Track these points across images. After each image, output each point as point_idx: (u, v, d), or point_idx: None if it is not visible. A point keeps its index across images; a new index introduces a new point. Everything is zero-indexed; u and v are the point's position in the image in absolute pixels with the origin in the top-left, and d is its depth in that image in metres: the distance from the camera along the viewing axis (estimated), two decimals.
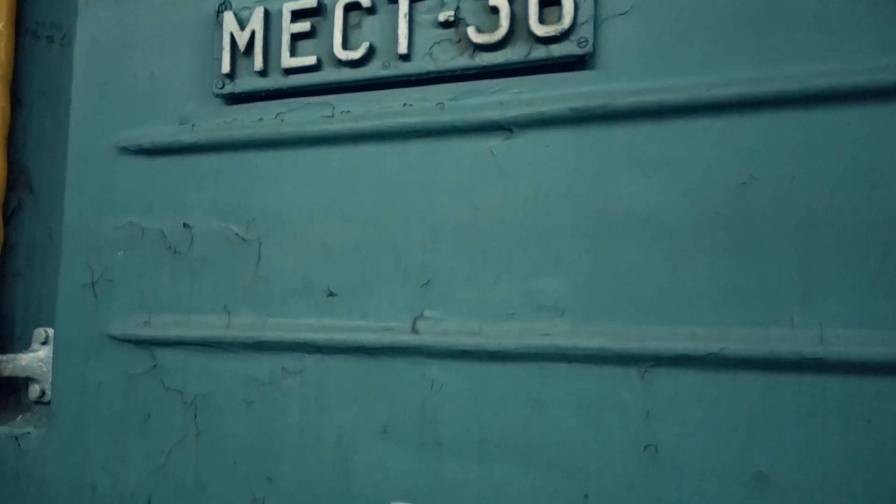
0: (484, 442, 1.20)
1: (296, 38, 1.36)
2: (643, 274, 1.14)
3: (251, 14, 1.39)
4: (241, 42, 1.39)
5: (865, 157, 1.04)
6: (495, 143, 1.24)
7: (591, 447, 1.13)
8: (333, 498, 1.26)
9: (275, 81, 1.38)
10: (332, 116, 1.35)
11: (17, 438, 1.52)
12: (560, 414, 1.16)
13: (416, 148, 1.30)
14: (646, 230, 1.14)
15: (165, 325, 1.42)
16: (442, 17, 1.26)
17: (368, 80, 1.32)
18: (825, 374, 1.03)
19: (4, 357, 1.55)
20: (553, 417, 1.16)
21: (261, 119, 1.40)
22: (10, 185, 1.60)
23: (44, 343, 1.56)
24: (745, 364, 1.06)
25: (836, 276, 1.04)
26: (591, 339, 1.15)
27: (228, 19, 1.40)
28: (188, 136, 1.44)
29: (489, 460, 1.19)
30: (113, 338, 1.45)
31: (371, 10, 1.32)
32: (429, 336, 1.25)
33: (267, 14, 1.38)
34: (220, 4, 1.43)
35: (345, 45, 1.33)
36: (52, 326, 1.55)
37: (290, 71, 1.37)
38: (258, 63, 1.38)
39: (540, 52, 1.21)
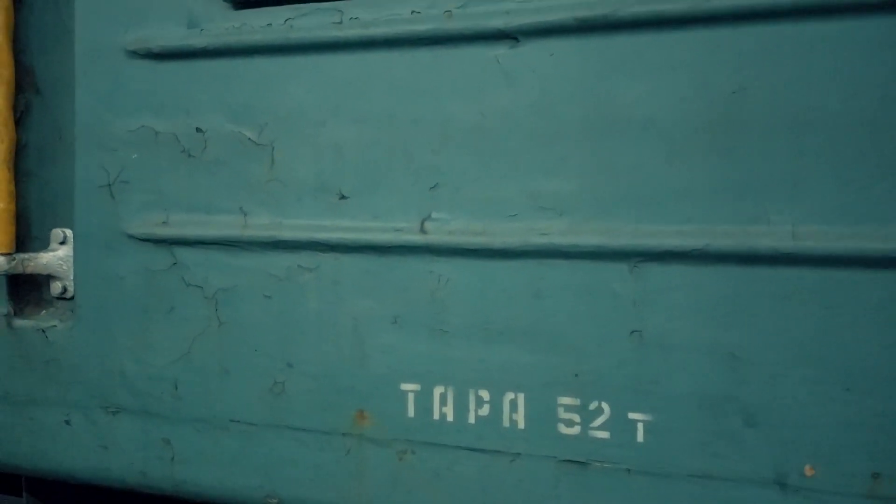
0: (487, 328, 1.32)
1: None
2: (639, 175, 1.23)
3: None
4: None
5: (847, 67, 1.12)
6: (501, 50, 1.30)
7: (583, 332, 1.27)
8: (349, 379, 1.40)
9: None
10: (341, 23, 1.38)
11: (43, 331, 1.62)
12: (556, 304, 1.28)
13: (424, 54, 1.35)
14: (644, 133, 1.23)
15: (183, 225, 1.50)
16: None
17: None
18: (797, 267, 1.15)
19: (25, 255, 1.62)
20: (550, 307, 1.28)
21: (269, 24, 1.43)
22: (18, 85, 1.62)
23: (62, 243, 1.64)
24: (726, 258, 1.18)
25: (813, 177, 1.15)
26: (588, 238, 1.25)
27: None
28: (197, 41, 1.47)
29: (492, 344, 1.32)
30: (132, 237, 1.53)
31: None
32: (436, 236, 1.34)
33: None
34: None
35: None
36: (69, 226, 1.62)
37: None
38: None
39: None
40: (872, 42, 1.11)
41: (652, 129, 1.22)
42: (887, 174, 1.11)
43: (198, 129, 1.48)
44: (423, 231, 1.35)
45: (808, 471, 1.16)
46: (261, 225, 1.45)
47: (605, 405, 1.26)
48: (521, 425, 1.31)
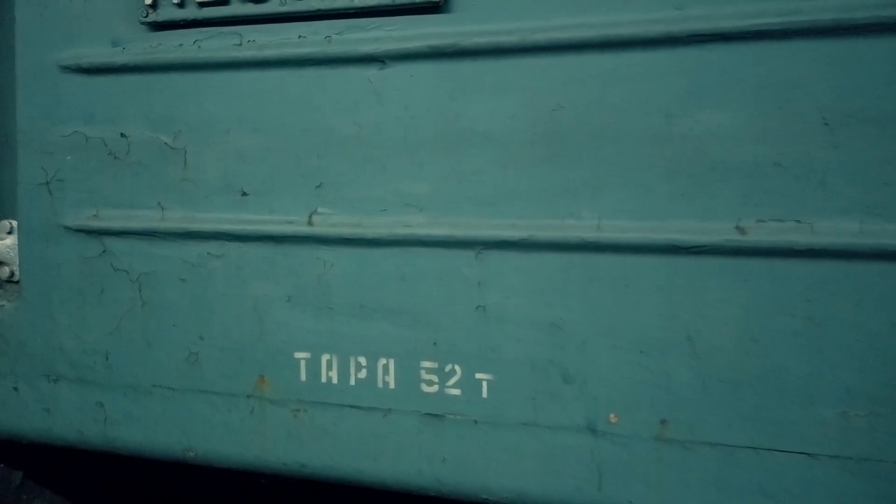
0: (363, 306, 1.57)
1: None
2: (481, 178, 1.48)
3: None
4: None
5: (639, 91, 1.37)
6: (372, 71, 1.54)
7: (439, 308, 1.52)
8: (251, 349, 1.64)
9: (191, 13, 1.63)
10: (241, 45, 1.62)
11: None
12: (418, 284, 1.53)
13: (309, 73, 1.58)
14: (485, 144, 1.48)
15: (111, 218, 1.73)
16: None
17: (269, 14, 1.59)
18: (601, 253, 1.41)
19: None
20: (413, 287, 1.53)
21: (181, 45, 1.66)
22: None
23: (9, 232, 1.86)
24: (548, 246, 1.44)
25: (615, 181, 1.40)
26: (441, 229, 1.50)
27: None
28: (120, 58, 1.69)
29: (368, 319, 1.57)
30: (68, 228, 1.76)
31: None
32: (321, 227, 1.59)
33: None
34: None
35: None
36: (15, 218, 1.85)
37: (203, 4, 1.62)
38: None
39: None
40: (658, 71, 1.37)
41: (491, 141, 1.46)
42: (669, 179, 1.36)
43: (122, 135, 1.71)
44: (310, 223, 1.60)
45: (612, 418, 1.43)
46: (176, 218, 1.68)
47: (457, 367, 1.52)
48: (392, 385, 1.57)
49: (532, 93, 1.44)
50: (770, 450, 1.33)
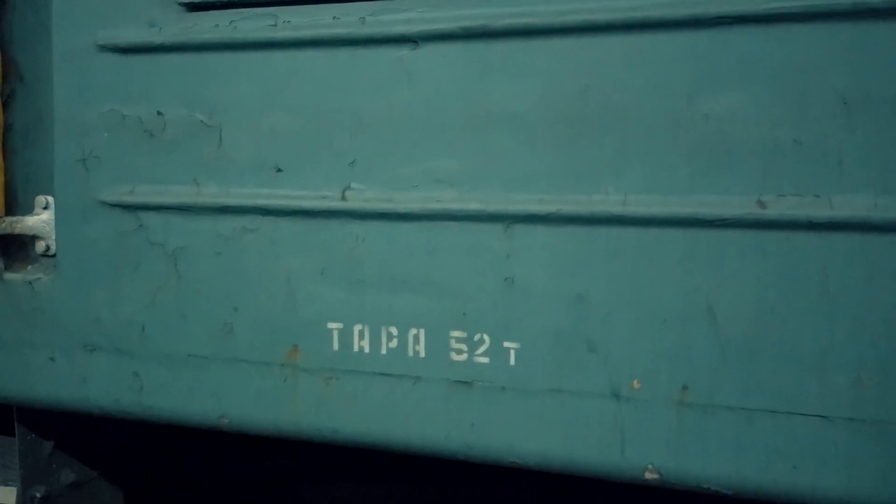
0: (394, 279, 1.64)
1: None
2: (509, 156, 1.54)
3: None
4: None
5: (663, 72, 1.43)
6: (404, 52, 1.59)
7: (468, 280, 1.58)
8: (284, 320, 1.71)
9: None
10: (276, 25, 1.67)
11: (30, 283, 1.91)
12: (447, 258, 1.59)
13: (343, 53, 1.64)
14: (513, 124, 1.53)
15: (147, 194, 1.79)
16: None
17: None
18: (626, 227, 1.47)
19: (14, 219, 1.90)
20: (443, 260, 1.60)
21: (217, 25, 1.71)
22: (4, 75, 1.88)
23: (45, 208, 1.92)
24: (574, 220, 1.50)
25: (639, 159, 1.46)
26: (471, 204, 1.57)
27: None
28: (157, 38, 1.74)
29: (398, 291, 1.63)
30: (104, 203, 1.81)
31: None
32: (354, 203, 1.65)
33: None
34: None
35: None
36: (51, 194, 1.90)
37: None
38: None
39: None
40: (681, 53, 1.42)
41: (519, 121, 1.52)
42: (691, 157, 1.42)
43: (158, 113, 1.76)
44: (343, 199, 1.66)
45: (635, 385, 1.50)
46: (211, 193, 1.74)
47: (485, 336, 1.59)
48: (422, 354, 1.63)
49: (559, 74, 1.49)
50: (786, 413, 1.41)
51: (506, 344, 1.57)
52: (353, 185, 1.65)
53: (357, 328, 1.68)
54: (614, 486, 1.62)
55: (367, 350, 1.67)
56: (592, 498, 2.10)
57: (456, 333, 1.61)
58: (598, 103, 1.47)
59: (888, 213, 1.33)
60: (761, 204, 1.39)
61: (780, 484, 1.42)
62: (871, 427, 1.36)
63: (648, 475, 1.50)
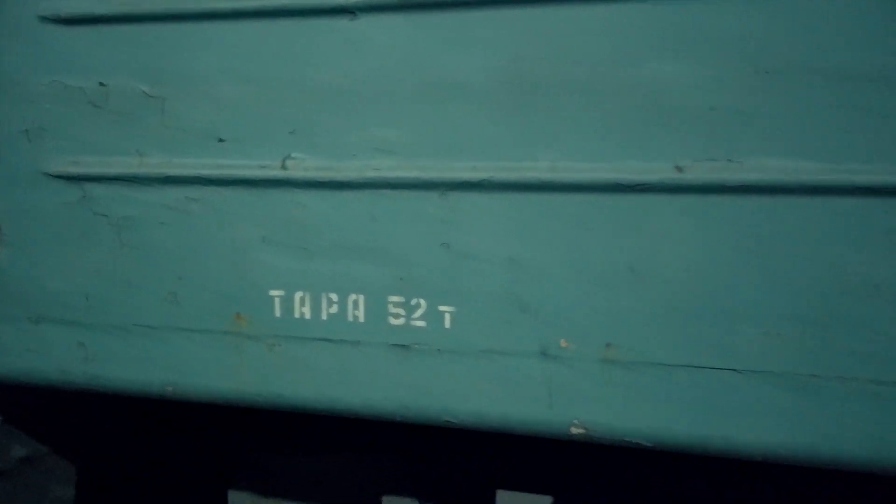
0: (335, 246, 1.68)
1: None
2: (446, 125, 1.59)
3: None
4: None
5: (592, 43, 1.49)
6: (344, 22, 1.63)
7: (406, 246, 1.63)
8: (228, 288, 1.74)
9: None
10: None
11: None
12: (387, 224, 1.64)
13: (285, 24, 1.67)
14: (450, 93, 1.58)
15: (91, 164, 1.80)
16: None
17: None
18: (556, 193, 1.53)
19: None
20: (381, 227, 1.64)
21: None
22: None
23: None
24: (506, 187, 1.56)
25: (569, 127, 1.52)
26: (409, 172, 1.61)
27: None
28: (99, 9, 1.76)
29: (339, 258, 1.68)
30: (48, 174, 1.83)
31: None
32: (295, 172, 1.69)
33: None
34: None
35: None
36: None
37: None
38: None
39: None
40: (609, 24, 1.49)
41: (456, 90, 1.57)
42: (617, 124, 1.49)
43: (101, 84, 1.78)
44: (284, 168, 1.69)
45: (563, 343, 1.56)
46: (154, 164, 1.76)
47: (422, 301, 1.64)
48: (362, 319, 1.68)
49: (495, 44, 1.55)
50: (703, 367, 1.48)
51: (441, 307, 1.63)
52: (294, 154, 1.69)
53: (298, 295, 1.72)
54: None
55: (308, 316, 1.71)
56: (574, 472, 2.17)
57: (394, 298, 1.66)
58: (529, 73, 1.53)
59: (797, 176, 1.41)
60: (679, 169, 1.47)
61: (698, 436, 1.50)
62: (782, 379, 1.45)
63: (574, 430, 1.57)
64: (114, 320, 1.83)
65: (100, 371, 1.86)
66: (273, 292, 1.73)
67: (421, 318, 1.65)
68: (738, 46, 1.43)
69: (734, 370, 1.46)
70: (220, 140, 1.73)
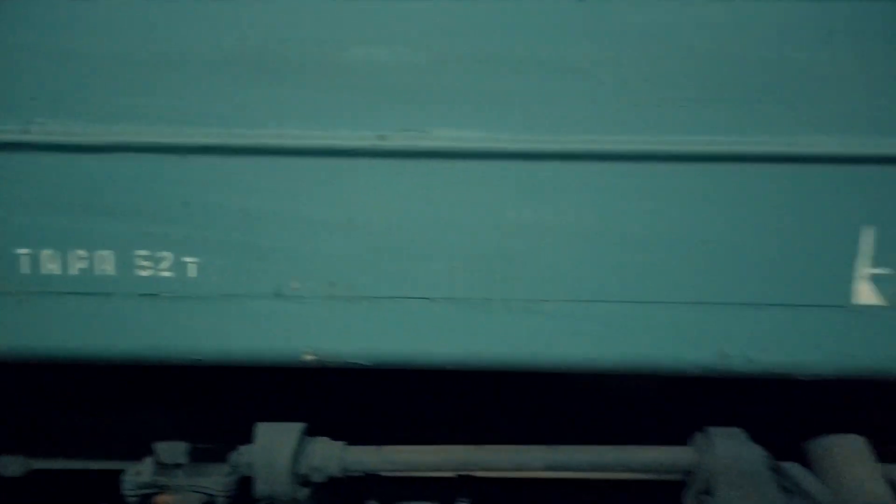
0: (82, 206, 1.80)
1: None
2: (183, 95, 1.78)
3: None
4: None
5: (304, 32, 1.76)
6: None
7: (150, 204, 1.81)
8: None
9: None
10: None
11: None
12: (130, 185, 1.80)
13: None
14: (189, 66, 1.78)
15: None
16: None
17: None
18: (280, 155, 1.80)
19: None
20: (125, 187, 1.80)
21: None
22: None
23: None
24: (239, 150, 1.79)
25: (289, 100, 1.78)
26: (150, 137, 1.78)
27: None
28: None
29: (86, 217, 1.81)
30: None
31: None
32: (38, 136, 1.78)
33: None
34: None
35: None
36: None
37: None
38: None
39: None
40: (323, 12, 1.77)
41: (192, 64, 1.77)
42: (332, 100, 1.78)
43: None
44: (26, 132, 1.78)
45: (293, 284, 1.84)
46: None
47: (167, 253, 1.83)
48: (111, 272, 1.84)
49: (227, 24, 1.75)
50: (404, 297, 1.84)
51: (185, 259, 1.83)
52: (37, 119, 1.79)
53: (46, 252, 1.83)
54: None
55: (57, 272, 1.83)
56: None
57: (141, 252, 1.83)
58: (254, 52, 1.76)
59: (468, 143, 1.80)
60: (381, 137, 1.79)
61: (404, 353, 1.87)
62: (464, 303, 1.84)
63: (307, 357, 1.86)
64: None
65: None
66: (19, 250, 1.82)
67: (168, 269, 1.84)
68: (428, 35, 1.77)
69: (427, 298, 1.84)
70: None
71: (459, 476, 2.40)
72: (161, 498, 2.32)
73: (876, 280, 1.74)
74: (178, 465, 2.29)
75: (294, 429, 2.14)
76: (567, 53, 1.75)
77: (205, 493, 2.30)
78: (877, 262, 1.73)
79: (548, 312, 1.82)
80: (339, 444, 2.13)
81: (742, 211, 1.76)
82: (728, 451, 2.02)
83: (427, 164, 1.81)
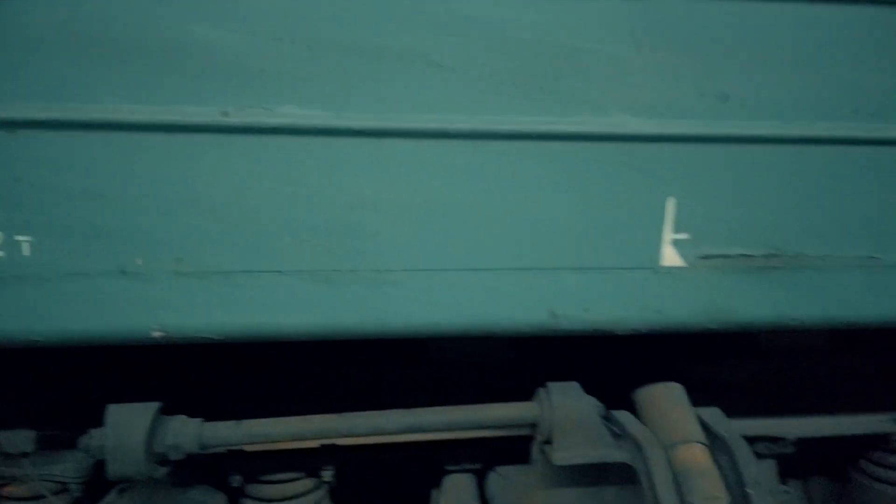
0: None
1: None
2: (17, 69, 1.72)
3: None
4: None
5: (147, 12, 1.75)
6: None
7: None
8: None
9: None
10: None
11: None
12: None
13: None
14: (70, 46, 1.71)
15: None
16: None
17: None
18: (124, 131, 1.78)
19: None
20: None
21: None
22: None
23: None
24: (76, 125, 1.75)
25: (134, 79, 1.76)
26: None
27: None
28: None
29: None
30: None
31: None
32: None
33: None
34: None
35: None
36: None
37: None
38: None
39: None
40: None
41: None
42: (176, 78, 1.78)
43: None
44: None
45: (138, 261, 1.84)
46: None
47: None
48: None
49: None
50: (256, 271, 1.88)
51: (17, 237, 1.77)
52: None
53: None
54: None
55: None
56: None
57: None
58: (103, 33, 1.73)
59: (305, 120, 1.85)
60: (225, 114, 1.81)
61: (253, 325, 1.90)
62: (310, 275, 1.90)
63: (155, 333, 1.87)
64: None
65: None
66: None
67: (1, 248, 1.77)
68: (268, 20, 1.81)
69: (279, 272, 1.89)
70: None
71: (322, 446, 2.48)
72: (7, 489, 2.24)
73: (678, 244, 1.99)
74: (24, 455, 2.21)
75: (149, 408, 2.12)
76: (410, 40, 1.86)
77: (56, 482, 2.24)
78: (678, 229, 1.98)
79: (393, 282, 1.92)
80: (197, 420, 2.14)
81: (565, 185, 1.95)
82: (564, 402, 2.22)
83: (272, 140, 1.85)
